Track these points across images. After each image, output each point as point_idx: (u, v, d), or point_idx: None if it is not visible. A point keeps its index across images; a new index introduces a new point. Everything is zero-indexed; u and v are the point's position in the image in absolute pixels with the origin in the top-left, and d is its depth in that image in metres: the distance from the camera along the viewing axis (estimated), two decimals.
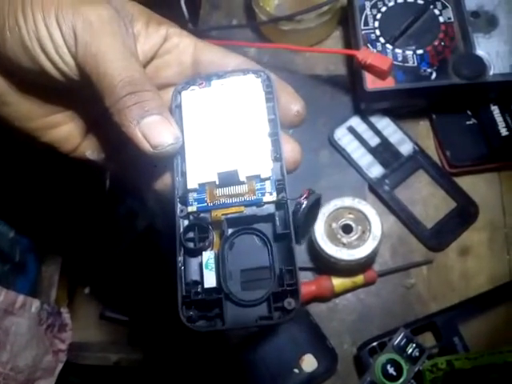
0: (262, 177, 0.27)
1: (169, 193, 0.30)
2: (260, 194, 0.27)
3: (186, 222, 0.27)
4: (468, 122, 0.52)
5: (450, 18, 0.51)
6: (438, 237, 0.51)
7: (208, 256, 0.26)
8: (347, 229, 0.47)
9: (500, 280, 0.49)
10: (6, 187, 0.52)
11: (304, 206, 0.28)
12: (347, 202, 0.48)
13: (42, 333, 0.51)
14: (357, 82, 0.53)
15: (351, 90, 0.56)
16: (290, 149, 0.29)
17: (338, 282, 0.49)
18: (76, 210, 0.58)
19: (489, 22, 0.50)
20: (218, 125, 0.28)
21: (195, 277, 0.26)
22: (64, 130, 0.31)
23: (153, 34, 0.29)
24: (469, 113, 0.52)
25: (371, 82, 0.49)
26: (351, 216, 0.48)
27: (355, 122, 0.54)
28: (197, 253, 0.26)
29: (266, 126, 0.28)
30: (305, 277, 0.51)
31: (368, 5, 0.52)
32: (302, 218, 0.27)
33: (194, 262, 0.27)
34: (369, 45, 0.51)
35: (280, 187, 0.27)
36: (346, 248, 0.46)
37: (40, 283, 0.56)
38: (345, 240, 0.47)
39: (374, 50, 0.50)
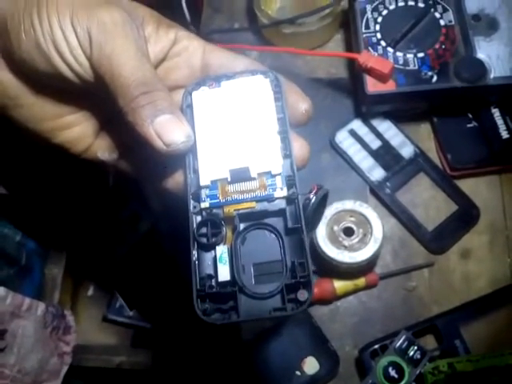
0: (273, 173, 0.28)
1: (179, 191, 0.31)
2: (271, 190, 0.27)
3: (199, 218, 0.28)
4: (469, 125, 0.52)
5: (450, 22, 0.51)
6: (439, 239, 0.51)
7: (222, 250, 0.26)
8: (349, 232, 0.47)
9: (501, 283, 0.49)
10: (14, 191, 0.52)
11: (313, 201, 0.28)
12: (348, 204, 0.48)
13: (48, 335, 0.51)
14: (358, 85, 0.53)
15: (352, 93, 0.56)
16: (299, 146, 0.29)
17: (339, 285, 0.49)
18: (79, 213, 0.58)
19: (489, 25, 0.50)
20: (229, 124, 0.29)
21: (209, 271, 0.27)
22: (76, 130, 0.31)
23: (163, 37, 0.30)
24: (470, 116, 0.52)
25: (372, 86, 0.50)
26: (352, 219, 0.48)
27: (356, 125, 0.55)
28: (210, 248, 0.27)
29: (275, 124, 0.29)
30: None
31: (369, 8, 0.53)
32: (311, 212, 0.28)
33: (207, 257, 0.27)
34: (370, 48, 0.51)
35: (290, 183, 0.27)
36: (348, 251, 0.46)
37: (44, 286, 0.57)
38: (346, 243, 0.47)
39: (375, 54, 0.51)
